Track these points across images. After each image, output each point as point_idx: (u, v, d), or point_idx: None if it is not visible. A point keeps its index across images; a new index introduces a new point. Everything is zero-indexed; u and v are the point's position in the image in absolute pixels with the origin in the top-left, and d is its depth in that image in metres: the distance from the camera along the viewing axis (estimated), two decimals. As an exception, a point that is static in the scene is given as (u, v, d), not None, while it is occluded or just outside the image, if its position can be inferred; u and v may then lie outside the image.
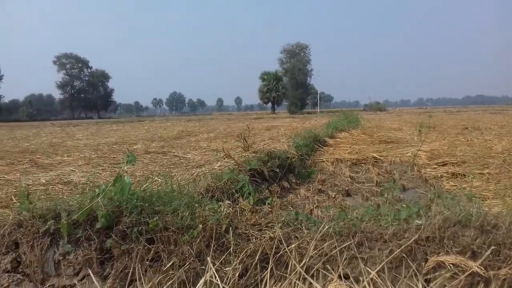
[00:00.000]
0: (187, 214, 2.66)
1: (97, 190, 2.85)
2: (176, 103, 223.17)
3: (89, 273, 2.46)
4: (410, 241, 2.44)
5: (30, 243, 2.66)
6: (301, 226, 2.66)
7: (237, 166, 5.00)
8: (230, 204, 3.00)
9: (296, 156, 6.97)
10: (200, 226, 2.51)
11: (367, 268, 2.37)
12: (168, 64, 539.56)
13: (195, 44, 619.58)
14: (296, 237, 2.56)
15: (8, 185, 5.31)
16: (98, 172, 6.15)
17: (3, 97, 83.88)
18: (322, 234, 2.49)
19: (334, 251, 2.42)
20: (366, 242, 2.50)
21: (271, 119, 35.77)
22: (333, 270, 2.36)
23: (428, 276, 2.36)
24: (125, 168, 2.90)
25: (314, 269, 2.37)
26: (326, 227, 2.53)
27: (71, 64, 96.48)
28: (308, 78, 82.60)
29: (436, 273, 2.32)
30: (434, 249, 2.40)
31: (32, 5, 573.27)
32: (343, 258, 2.40)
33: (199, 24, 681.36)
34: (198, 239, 2.49)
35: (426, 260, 2.38)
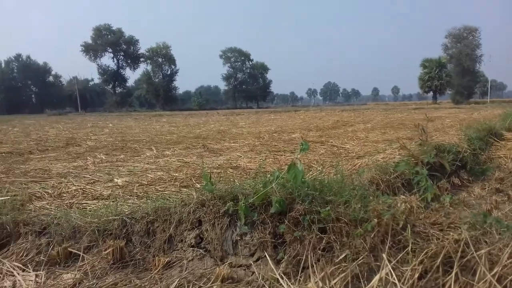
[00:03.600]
0: (359, 206, 2.57)
1: (269, 176, 2.97)
2: (330, 93, 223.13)
3: (264, 255, 2.57)
4: None
5: (212, 221, 2.90)
6: (492, 230, 2.34)
7: (412, 159, 4.68)
8: (404, 199, 2.81)
9: (468, 151, 6.27)
10: (375, 220, 2.40)
11: None
12: (323, 55, 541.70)
13: (351, 34, 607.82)
14: (486, 241, 2.26)
15: (186, 167, 5.96)
16: (261, 159, 6.48)
17: (178, 88, 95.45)
18: (520, 241, 2.14)
19: (535, 263, 2.06)
20: None
21: (433, 110, 33.03)
22: (533, 284, 2.01)
23: None
24: (298, 156, 2.95)
25: (508, 280, 2.06)
26: (527, 234, 2.17)
27: (235, 58, 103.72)
28: (477, 65, 73.59)
29: None
30: None
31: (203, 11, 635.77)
32: (548, 272, 2.02)
33: (354, 15, 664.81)
34: (373, 234, 2.38)
35: None
